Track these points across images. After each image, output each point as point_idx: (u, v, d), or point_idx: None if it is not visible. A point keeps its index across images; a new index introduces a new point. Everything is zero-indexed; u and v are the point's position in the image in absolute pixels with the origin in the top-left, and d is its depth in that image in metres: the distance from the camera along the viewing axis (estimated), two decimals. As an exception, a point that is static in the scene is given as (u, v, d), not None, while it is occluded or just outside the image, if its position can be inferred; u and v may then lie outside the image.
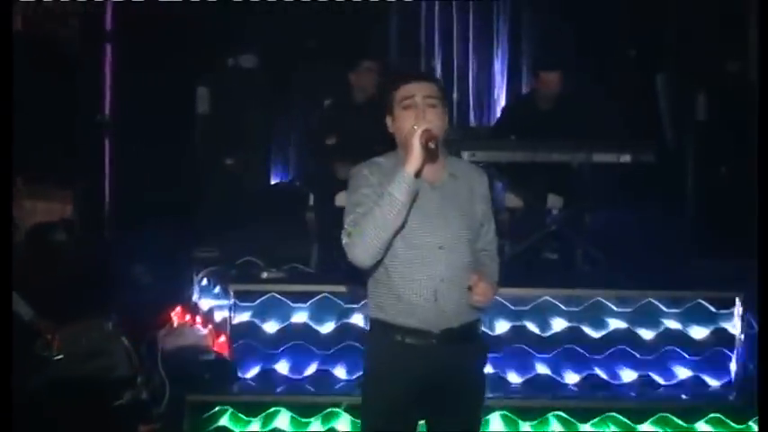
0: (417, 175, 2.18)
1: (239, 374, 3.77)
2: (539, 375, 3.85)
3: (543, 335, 3.87)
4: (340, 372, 3.85)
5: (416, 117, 2.23)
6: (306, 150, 5.00)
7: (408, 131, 2.21)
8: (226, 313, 3.94)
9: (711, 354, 3.91)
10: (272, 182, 5.91)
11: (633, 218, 5.08)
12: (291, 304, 3.90)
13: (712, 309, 3.94)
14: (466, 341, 2.35)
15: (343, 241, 2.23)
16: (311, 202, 4.52)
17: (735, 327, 3.90)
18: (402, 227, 2.21)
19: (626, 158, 4.09)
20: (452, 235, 2.29)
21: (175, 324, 4.09)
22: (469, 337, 2.37)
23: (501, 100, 6.73)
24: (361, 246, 2.18)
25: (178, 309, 4.29)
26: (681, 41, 5.68)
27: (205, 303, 4.27)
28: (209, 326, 4.08)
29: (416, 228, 2.25)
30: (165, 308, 4.22)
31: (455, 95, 6.71)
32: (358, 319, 3.88)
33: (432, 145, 2.17)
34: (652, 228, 5.02)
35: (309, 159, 4.74)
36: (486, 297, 2.31)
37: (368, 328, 3.67)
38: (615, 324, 3.91)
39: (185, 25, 5.18)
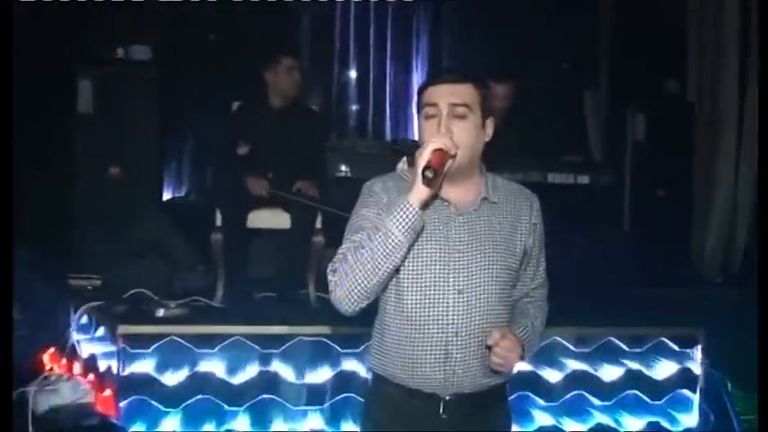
0: (426, 206, 1.81)
1: (130, 441, 3.11)
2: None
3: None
4: (252, 432, 3.26)
5: (437, 131, 1.84)
6: (211, 161, 4.36)
7: (418, 150, 1.82)
8: (112, 361, 3.28)
9: (672, 396, 3.62)
10: (166, 196, 5.25)
11: (576, 244, 4.74)
12: (195, 350, 3.27)
13: (675, 347, 3.67)
14: (482, 410, 1.95)
15: (329, 277, 1.88)
16: (218, 221, 3.85)
17: (697, 366, 3.65)
18: (412, 262, 1.86)
19: (584, 180, 3.71)
20: (478, 277, 1.89)
21: (49, 376, 3.37)
22: (487, 406, 1.96)
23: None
24: (342, 288, 1.83)
25: (51, 352, 3.61)
26: (616, 59, 5.41)
27: (85, 347, 3.57)
28: (91, 377, 3.39)
29: (432, 264, 1.88)
30: (36, 352, 3.56)
31: (371, 105, 6.22)
32: (278, 367, 3.32)
33: (429, 174, 1.75)
34: (592, 255, 4.70)
35: (216, 171, 4.10)
36: (508, 361, 1.88)
37: (296, 379, 3.25)
38: (574, 365, 3.55)
39: (66, 7, 4.41)
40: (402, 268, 1.86)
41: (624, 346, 3.61)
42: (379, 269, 1.80)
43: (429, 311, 1.87)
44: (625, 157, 5.12)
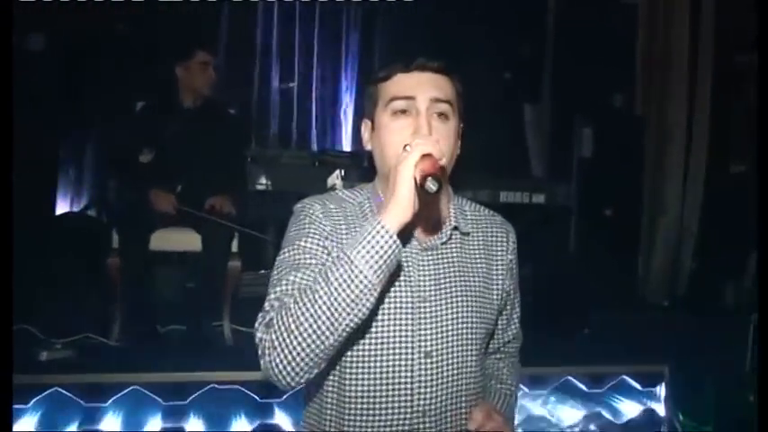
0: (403, 232, 1.35)
1: None
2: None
3: None
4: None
5: (414, 132, 1.43)
6: (109, 169, 3.76)
7: (396, 156, 1.38)
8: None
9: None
10: (59, 210, 4.63)
11: (525, 268, 4.39)
12: (84, 403, 2.73)
13: (638, 386, 3.41)
14: None
15: (257, 335, 1.38)
16: (115, 242, 3.26)
17: (662, 407, 3.42)
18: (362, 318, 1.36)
19: (539, 199, 3.31)
20: (450, 333, 1.47)
21: None
22: None
23: (348, 121, 5.84)
24: (283, 352, 1.34)
25: None
26: (562, 71, 5.10)
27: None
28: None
29: (388, 320, 1.44)
30: None
31: (295, 112, 5.75)
32: (188, 423, 2.80)
33: (433, 186, 1.30)
34: (538, 278, 4.35)
35: (114, 182, 3.50)
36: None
37: None
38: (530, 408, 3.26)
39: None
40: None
41: (583, 386, 3.30)
42: (340, 324, 1.32)
43: (389, 383, 1.44)
44: (571, 174, 4.78)
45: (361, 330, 1.42)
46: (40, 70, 4.13)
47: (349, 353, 1.45)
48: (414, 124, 1.45)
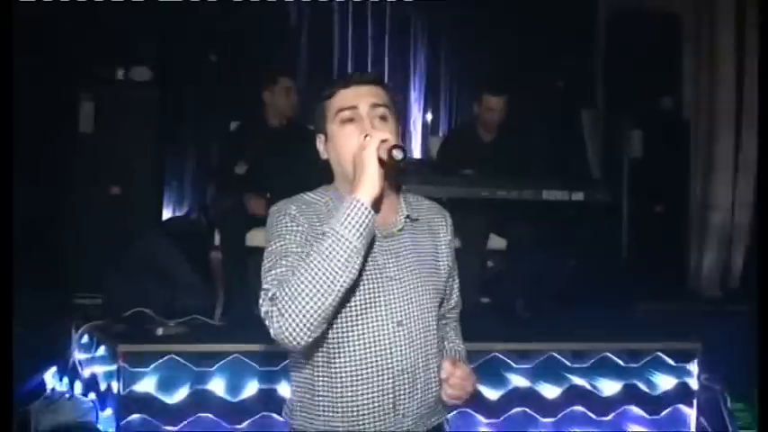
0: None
1: (130, 458, 3.06)
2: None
3: (492, 398, 3.38)
4: (256, 449, 3.22)
5: (362, 134, 1.66)
6: (210, 179, 4.35)
7: (358, 145, 1.63)
8: (111, 379, 3.24)
9: (670, 411, 3.60)
10: (166, 215, 5.22)
11: (571, 260, 4.74)
12: (195, 368, 3.23)
13: (671, 362, 3.65)
14: None
15: (263, 309, 1.57)
16: (217, 240, 3.86)
17: (694, 381, 3.64)
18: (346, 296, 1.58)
19: (578, 197, 3.71)
20: (414, 304, 1.69)
21: (51, 395, 3.34)
22: None
23: (417, 131, 6.31)
24: (292, 315, 1.51)
25: (53, 371, 3.55)
26: (612, 76, 5.43)
27: (85, 366, 3.53)
28: (92, 396, 3.36)
29: (364, 298, 1.65)
30: (37, 371, 3.51)
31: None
32: (277, 385, 3.27)
33: (399, 155, 1.57)
34: (591, 271, 4.70)
35: (215, 190, 4.10)
36: (465, 392, 1.75)
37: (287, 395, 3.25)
38: (571, 381, 3.53)
39: (69, 30, 4.43)
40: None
41: (620, 362, 3.59)
42: (337, 281, 1.52)
43: (371, 352, 1.65)
44: (622, 174, 5.12)
45: (343, 308, 1.62)
46: (148, 98, 4.67)
47: (335, 327, 1.64)
48: (360, 128, 1.67)
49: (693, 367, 3.65)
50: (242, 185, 3.90)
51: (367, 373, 1.65)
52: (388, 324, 1.66)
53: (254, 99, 4.08)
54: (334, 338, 1.65)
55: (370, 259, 1.65)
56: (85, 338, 3.60)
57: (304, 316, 1.51)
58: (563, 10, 5.57)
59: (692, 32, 5.49)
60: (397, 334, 1.66)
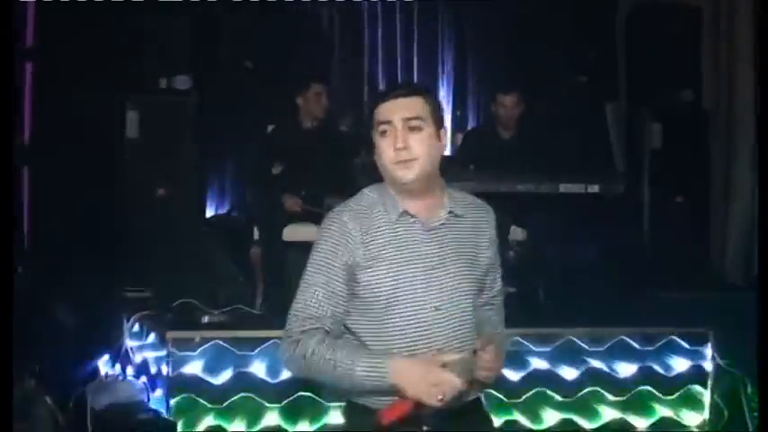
0: (412, 217, 1.85)
1: (180, 435, 3.35)
2: (510, 423, 3.58)
3: (514, 379, 3.60)
4: (294, 426, 3.48)
5: (395, 145, 1.82)
6: (248, 179, 4.63)
7: (388, 161, 1.85)
8: (161, 363, 3.53)
9: (685, 392, 3.79)
10: (209, 213, 5.50)
11: (591, 250, 4.90)
12: (237, 352, 3.51)
13: (686, 345, 3.83)
14: (467, 425, 1.89)
15: (286, 329, 1.85)
16: (256, 236, 4.16)
17: (708, 363, 3.81)
18: (389, 285, 1.80)
19: (594, 189, 3.90)
20: (451, 292, 1.85)
21: (106, 378, 3.63)
22: (469, 421, 1.90)
23: (447, 129, 6.50)
24: (290, 368, 1.91)
25: (105, 358, 3.84)
26: (633, 69, 5.57)
27: (137, 351, 3.84)
28: (143, 378, 3.66)
29: (405, 284, 1.82)
30: (91, 357, 3.78)
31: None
32: None
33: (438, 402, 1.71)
34: (611, 260, 4.86)
35: (253, 189, 4.38)
36: (496, 368, 1.86)
37: None
38: (588, 364, 3.72)
39: (114, 43, 4.74)
40: (378, 294, 1.83)
41: (636, 345, 3.76)
42: (329, 384, 1.88)
43: (410, 332, 1.82)
44: (643, 165, 5.26)
45: (385, 293, 1.82)
46: (190, 104, 4.89)
47: (377, 310, 1.83)
48: (393, 141, 1.83)
49: (707, 350, 3.80)
50: (278, 185, 4.16)
51: (402, 350, 1.82)
52: (426, 309, 1.82)
53: (289, 103, 4.35)
54: (376, 320, 1.83)
55: (412, 249, 1.84)
56: (136, 327, 3.89)
57: (298, 374, 1.89)
58: (584, 4, 5.72)
59: (712, 24, 5.57)
60: (434, 318, 1.82)
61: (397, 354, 1.81)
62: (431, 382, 1.71)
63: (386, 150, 1.84)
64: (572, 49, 5.67)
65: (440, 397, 1.70)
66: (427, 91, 1.95)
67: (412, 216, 1.87)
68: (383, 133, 1.85)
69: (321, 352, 1.77)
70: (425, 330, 1.82)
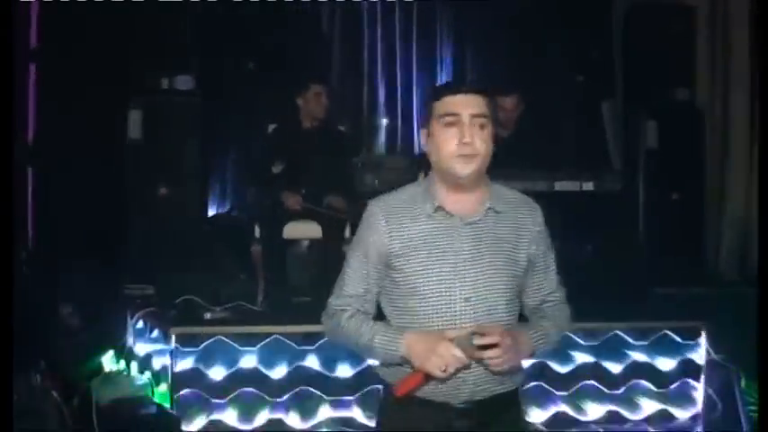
0: (450, 211, 1.90)
1: (183, 428, 3.41)
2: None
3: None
4: (293, 420, 3.58)
5: (459, 139, 1.84)
6: (249, 178, 4.70)
7: (448, 154, 1.86)
8: (165, 359, 3.61)
9: (678, 386, 3.87)
10: (211, 212, 5.57)
11: (587, 247, 4.96)
12: (239, 348, 3.61)
13: (679, 339, 3.91)
14: (496, 416, 1.90)
15: (328, 308, 1.98)
16: (257, 234, 4.23)
17: (700, 357, 3.89)
18: (420, 273, 1.86)
19: (589, 186, 3.97)
20: (484, 285, 1.86)
21: (110, 373, 3.71)
22: (500, 413, 1.91)
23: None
24: (328, 336, 2.08)
25: (110, 354, 3.92)
26: (629, 68, 5.64)
27: (141, 348, 3.93)
28: (147, 373, 3.73)
29: (439, 274, 1.86)
30: (96, 354, 3.85)
31: (399, 123, 6.54)
32: (312, 362, 3.64)
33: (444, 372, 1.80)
34: (607, 257, 4.92)
35: (254, 188, 4.45)
36: (504, 359, 1.79)
37: (328, 372, 3.60)
38: (581, 358, 3.81)
39: (117, 44, 4.81)
40: (410, 281, 1.87)
41: (630, 339, 3.85)
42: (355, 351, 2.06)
43: (437, 321, 1.85)
44: (639, 163, 5.33)
45: (419, 285, 1.85)
46: (192, 105, 4.95)
47: (411, 297, 1.87)
48: (459, 133, 1.84)
49: (700, 345, 3.87)
50: (279, 183, 4.23)
51: None
52: (456, 299, 1.84)
53: (289, 103, 4.42)
54: (407, 306, 1.88)
55: (447, 241, 1.86)
56: (140, 324, 3.98)
57: (328, 337, 2.11)
58: (581, 4, 5.79)
59: (707, 24, 5.63)
60: (463, 308, 1.84)
61: (412, 330, 1.88)
62: (436, 354, 1.78)
63: (449, 141, 1.86)
64: (569, 49, 5.73)
65: (443, 368, 1.78)
66: (489, 93, 1.94)
67: (448, 211, 1.89)
68: (449, 125, 1.86)
69: (349, 326, 1.92)
70: (453, 320, 1.85)
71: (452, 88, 1.92)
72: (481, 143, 1.85)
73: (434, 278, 1.86)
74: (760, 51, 2.94)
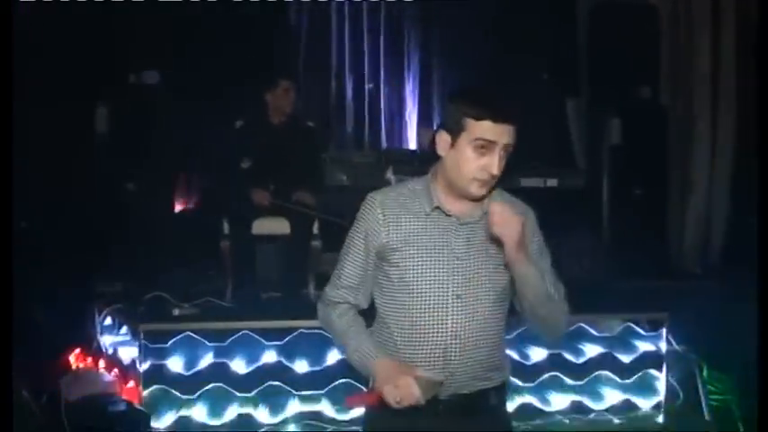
0: (447, 212, 1.92)
1: (153, 425, 3.42)
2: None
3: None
4: (262, 415, 3.60)
5: (487, 167, 1.83)
6: (217, 174, 4.69)
7: (469, 173, 1.85)
8: (133, 355, 3.60)
9: (640, 376, 3.94)
10: (178, 208, 5.52)
11: (551, 242, 5.03)
12: (207, 343, 3.62)
13: (641, 331, 4.00)
14: (480, 411, 1.95)
15: (323, 294, 2.06)
16: (225, 230, 4.22)
17: (662, 348, 3.96)
18: (413, 270, 1.90)
19: (552, 183, 4.03)
20: (476, 282, 1.90)
21: (78, 370, 3.69)
22: (485, 407, 1.96)
23: (412, 122, 6.62)
24: (322, 324, 2.09)
25: (77, 351, 3.90)
26: (592, 67, 5.73)
27: (109, 344, 3.91)
28: (115, 370, 3.72)
29: (432, 271, 1.90)
30: (64, 351, 3.84)
31: (366, 117, 6.56)
32: (281, 357, 3.66)
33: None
34: (571, 252, 4.99)
35: (222, 184, 4.44)
36: (507, 226, 1.81)
37: (296, 367, 3.62)
38: (545, 351, 3.86)
39: (83, 38, 4.76)
40: (403, 276, 1.90)
41: (594, 332, 3.93)
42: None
43: (429, 316, 1.89)
44: (603, 159, 5.42)
45: (412, 281, 1.89)
46: (157, 99, 4.92)
47: (404, 297, 1.91)
48: (488, 161, 1.83)
49: (662, 336, 3.95)
50: (247, 179, 4.22)
51: (423, 334, 1.90)
52: (447, 296, 1.88)
53: (258, 99, 4.40)
54: (401, 302, 1.92)
55: (443, 239, 1.90)
56: (108, 320, 3.96)
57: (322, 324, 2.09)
58: (546, 2, 5.86)
59: (670, 23, 5.74)
60: (454, 304, 1.88)
61: (390, 355, 1.93)
62: (395, 385, 1.83)
63: (473, 163, 1.84)
64: (534, 47, 5.79)
65: (397, 399, 1.83)
66: (520, 111, 1.91)
67: (446, 211, 1.92)
68: (478, 149, 1.83)
69: (338, 325, 2.00)
70: (443, 317, 1.89)
71: (492, 115, 1.83)
72: (500, 170, 1.86)
73: (427, 275, 1.90)
74: (760, 51, 2.98)
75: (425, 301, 1.89)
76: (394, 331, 1.94)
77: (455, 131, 1.87)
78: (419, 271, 1.90)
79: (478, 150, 1.83)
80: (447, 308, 1.88)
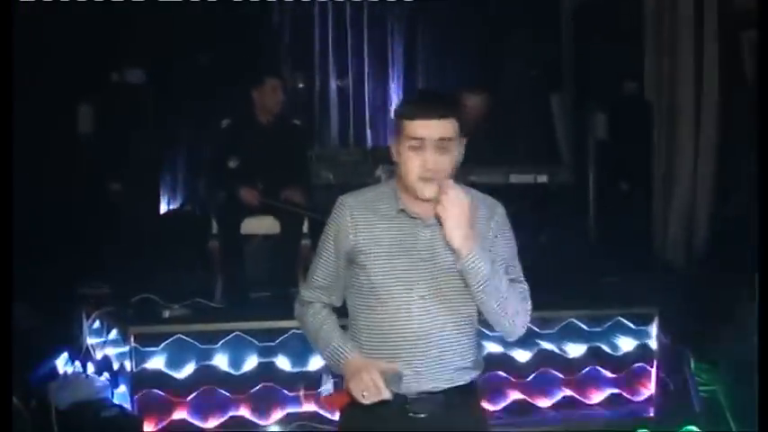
0: (410, 214, 1.93)
1: (145, 429, 3.37)
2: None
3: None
4: (257, 417, 3.56)
5: (421, 164, 1.85)
6: (205, 174, 4.65)
7: (413, 174, 1.87)
8: (124, 359, 3.55)
9: (632, 369, 3.98)
10: (164, 208, 5.49)
11: (540, 237, 5.05)
12: (200, 345, 3.57)
13: (632, 325, 4.02)
14: (451, 408, 1.95)
15: (295, 304, 2.10)
16: (214, 230, 4.19)
17: (653, 342, 3.99)
18: (380, 275, 1.91)
19: (542, 179, 4.04)
20: (440, 283, 1.91)
21: (68, 376, 3.64)
22: (455, 405, 1.95)
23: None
24: (299, 323, 2.11)
25: (65, 356, 3.85)
26: (578, 62, 5.75)
27: (98, 348, 3.86)
28: (106, 374, 3.68)
29: (395, 275, 1.91)
30: (52, 356, 3.78)
31: (351, 114, 6.56)
32: (273, 358, 3.63)
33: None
34: (559, 247, 5.01)
35: (210, 183, 4.39)
36: (449, 201, 1.81)
37: (290, 368, 3.58)
38: (539, 346, 3.88)
39: (67, 37, 4.69)
40: (370, 277, 1.92)
41: (584, 326, 3.94)
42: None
43: (395, 317, 1.91)
44: (588, 155, 5.45)
45: (379, 285, 1.90)
46: (143, 99, 4.90)
47: (372, 302, 1.93)
48: (422, 157, 1.85)
49: (653, 329, 3.99)
50: (235, 178, 4.19)
51: (388, 334, 1.92)
52: (412, 297, 1.90)
53: (245, 97, 4.36)
54: (370, 305, 1.94)
55: (408, 241, 1.91)
56: (97, 324, 3.91)
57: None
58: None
59: (654, 19, 5.75)
60: (419, 305, 1.89)
61: (360, 352, 1.95)
62: (360, 378, 1.86)
63: (412, 165, 1.87)
64: (521, 44, 5.80)
65: (364, 394, 1.85)
66: (458, 107, 1.94)
67: (411, 213, 1.93)
68: (413, 148, 1.86)
69: (311, 324, 2.04)
70: (410, 318, 1.91)
71: (418, 113, 1.87)
72: (444, 165, 1.86)
73: (393, 277, 1.91)
74: (759, 51, 2.99)
75: (391, 302, 1.91)
76: (363, 331, 1.97)
77: (397, 136, 1.92)
78: (385, 273, 1.91)
79: (414, 150, 1.86)
80: (411, 309, 1.90)
